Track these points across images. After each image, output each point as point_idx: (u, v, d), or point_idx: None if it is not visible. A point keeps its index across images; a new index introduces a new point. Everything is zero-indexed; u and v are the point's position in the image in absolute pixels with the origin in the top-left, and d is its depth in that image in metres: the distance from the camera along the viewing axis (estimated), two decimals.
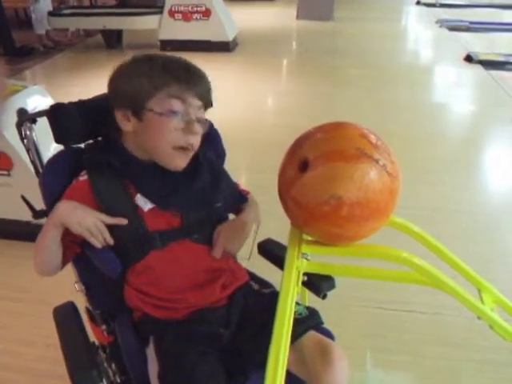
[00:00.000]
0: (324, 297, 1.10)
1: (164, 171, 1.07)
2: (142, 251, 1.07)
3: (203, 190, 1.11)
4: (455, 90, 5.07)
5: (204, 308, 1.10)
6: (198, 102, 1.04)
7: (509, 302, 1.09)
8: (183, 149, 1.04)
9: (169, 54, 1.11)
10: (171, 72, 1.02)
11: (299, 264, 0.88)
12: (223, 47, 6.01)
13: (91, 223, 1.01)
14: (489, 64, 5.45)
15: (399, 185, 0.84)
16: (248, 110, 4.38)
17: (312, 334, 1.04)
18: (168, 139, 1.02)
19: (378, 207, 0.81)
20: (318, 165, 0.80)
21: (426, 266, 0.91)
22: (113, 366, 1.13)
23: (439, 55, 6.35)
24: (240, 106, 4.41)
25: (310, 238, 0.93)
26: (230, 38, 6.12)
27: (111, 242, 1.04)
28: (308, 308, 1.09)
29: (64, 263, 1.10)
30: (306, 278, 0.94)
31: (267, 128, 3.92)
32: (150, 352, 1.06)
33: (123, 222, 1.04)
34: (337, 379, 0.97)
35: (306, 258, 0.91)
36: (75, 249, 1.09)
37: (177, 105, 1.01)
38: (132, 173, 1.07)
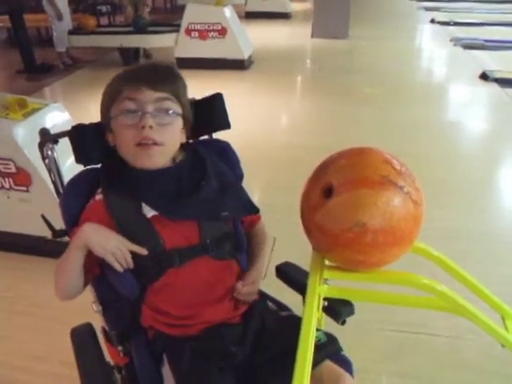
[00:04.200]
0: (343, 323, 1.09)
1: (166, 178, 1.08)
2: (160, 270, 1.07)
3: (209, 197, 1.09)
4: (471, 108, 5.05)
5: (218, 324, 1.09)
6: (155, 95, 1.05)
7: None
8: (142, 145, 1.04)
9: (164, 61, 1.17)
10: (126, 77, 1.08)
11: (321, 289, 0.87)
12: (238, 65, 6.05)
13: (115, 247, 1.01)
14: (505, 82, 5.41)
15: (423, 212, 0.83)
16: (262, 127, 4.39)
17: (329, 364, 1.03)
18: (127, 138, 1.05)
19: (402, 235, 0.80)
20: (342, 191, 0.79)
21: (448, 292, 0.90)
22: None
23: (454, 73, 6.33)
24: (254, 123, 4.42)
25: (331, 263, 0.92)
26: (246, 56, 6.18)
27: (131, 266, 1.03)
28: (326, 334, 1.08)
29: (85, 285, 1.10)
30: (326, 304, 0.93)
31: (281, 146, 3.91)
32: (166, 371, 1.06)
33: (143, 252, 1.03)
34: None
35: (326, 283, 0.91)
36: (95, 270, 1.09)
37: (129, 104, 1.04)
38: (134, 185, 1.08)
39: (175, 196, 1.07)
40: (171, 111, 1.07)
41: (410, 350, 1.93)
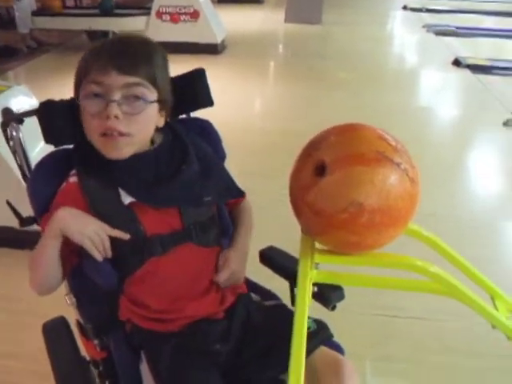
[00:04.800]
0: (333, 308, 1.05)
1: (144, 163, 1.00)
2: (141, 259, 1.00)
3: (191, 181, 1.02)
4: (444, 93, 5.08)
5: (200, 320, 1.03)
6: (124, 79, 0.94)
7: None
8: (107, 136, 0.95)
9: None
10: (95, 55, 0.97)
11: (312, 275, 0.83)
12: (211, 49, 5.93)
13: (93, 232, 0.93)
14: (477, 68, 5.46)
15: (419, 191, 0.79)
16: (236, 112, 4.31)
17: (323, 350, 0.99)
18: (91, 127, 0.97)
19: (398, 214, 0.76)
20: (336, 169, 0.74)
21: (442, 274, 0.87)
22: (106, 383, 1.06)
23: (427, 59, 6.36)
24: (228, 108, 4.33)
25: (322, 247, 0.87)
26: (219, 41, 6.06)
27: (110, 254, 0.96)
28: (316, 321, 1.04)
29: (64, 276, 1.02)
30: (316, 289, 0.89)
31: (256, 131, 3.86)
32: (144, 369, 0.99)
33: (125, 236, 0.96)
34: None
35: (317, 268, 0.86)
36: (73, 259, 1.01)
37: (93, 88, 0.95)
38: (110, 169, 1.00)
39: (154, 181, 1.00)
40: (142, 100, 0.96)
41: (394, 334, 1.91)
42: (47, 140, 1.05)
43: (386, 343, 1.87)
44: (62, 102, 1.05)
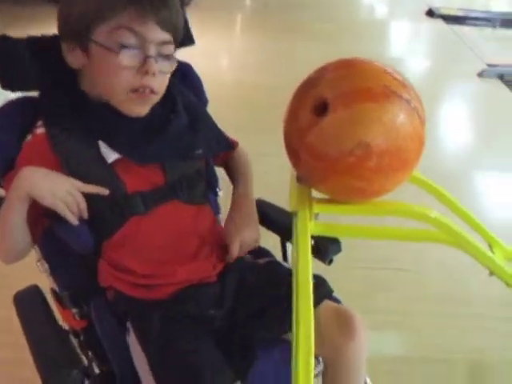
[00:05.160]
0: (330, 262, 0.99)
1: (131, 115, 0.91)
2: (121, 218, 0.90)
3: (180, 134, 0.94)
4: (418, 44, 5.02)
5: (192, 285, 0.94)
6: (160, 35, 0.85)
7: None
8: (139, 93, 0.87)
9: None
10: None
11: (311, 227, 0.76)
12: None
13: (66, 192, 0.83)
14: (450, 19, 5.37)
15: (425, 132, 0.72)
16: (208, 66, 4.12)
17: (326, 304, 0.93)
18: (119, 81, 0.85)
19: (407, 157, 0.69)
20: (339, 106, 0.66)
21: (444, 221, 0.82)
22: (89, 354, 0.97)
23: (401, 10, 6.20)
24: (199, 62, 4.12)
25: (319, 196, 0.81)
26: None
27: (86, 215, 0.86)
28: (315, 275, 0.97)
29: (34, 242, 0.92)
30: (313, 242, 0.82)
31: (230, 85, 3.73)
32: (132, 341, 0.90)
33: (103, 192, 0.86)
34: (359, 351, 0.88)
35: (316, 219, 0.80)
36: (43, 222, 0.91)
37: (128, 38, 0.83)
38: (91, 119, 0.89)
39: (141, 135, 0.91)
40: (172, 59, 0.90)
41: (381, 286, 1.90)
42: (3, 84, 0.92)
43: (376, 296, 1.84)
44: (19, 39, 0.91)
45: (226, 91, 3.57)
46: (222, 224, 1.07)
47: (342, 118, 0.67)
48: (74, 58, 0.87)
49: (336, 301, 1.00)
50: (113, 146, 0.89)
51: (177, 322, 0.88)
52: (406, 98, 0.67)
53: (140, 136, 0.90)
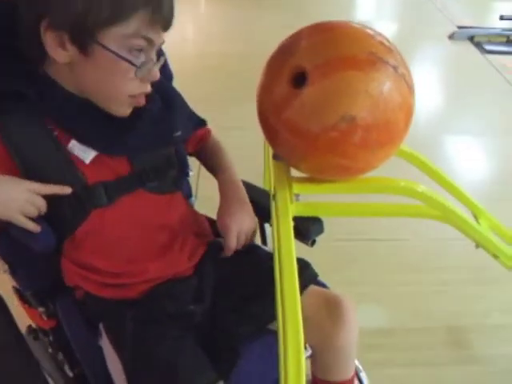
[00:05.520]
0: (313, 243, 0.93)
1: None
2: (82, 212, 0.82)
3: (157, 119, 0.85)
4: (386, 6, 4.93)
5: (167, 281, 0.88)
6: (162, 38, 0.78)
7: (504, 227, 1.02)
8: (135, 98, 0.80)
9: None
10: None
11: (292, 208, 0.70)
12: None
13: (25, 202, 0.74)
14: None
15: (415, 101, 0.66)
16: (171, 38, 3.96)
17: (312, 289, 0.88)
18: (123, 88, 0.77)
19: (397, 129, 0.63)
20: (320, 76, 0.59)
21: (432, 195, 0.78)
22: (59, 355, 0.91)
23: None
24: None
25: (298, 175, 0.74)
26: None
27: (44, 212, 0.78)
28: (297, 259, 0.91)
29: None
30: (293, 224, 0.76)
31: (191, 55, 3.59)
32: (105, 345, 0.83)
33: (66, 191, 0.78)
34: (350, 337, 0.84)
35: (297, 200, 0.74)
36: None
37: (139, 45, 0.74)
38: (60, 111, 0.79)
39: (115, 126, 0.81)
40: (162, 56, 0.83)
41: (354, 258, 1.87)
42: None
43: (349, 268, 1.82)
44: None
45: (191, 63, 3.44)
46: (196, 207, 1.00)
47: (322, 89, 0.60)
48: (60, 51, 0.72)
49: (322, 285, 0.95)
50: (86, 141, 0.80)
51: (152, 322, 0.82)
52: (392, 64, 0.60)
53: (114, 128, 0.81)
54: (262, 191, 1.04)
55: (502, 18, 3.82)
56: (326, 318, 0.84)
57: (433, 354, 1.55)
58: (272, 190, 0.74)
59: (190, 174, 1.07)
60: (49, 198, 0.77)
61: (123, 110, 0.81)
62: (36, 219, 0.77)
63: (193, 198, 1.07)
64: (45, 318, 0.93)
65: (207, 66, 3.33)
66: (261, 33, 3.88)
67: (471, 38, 3.77)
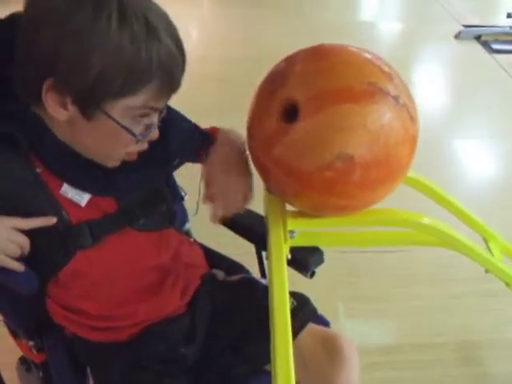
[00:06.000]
0: (312, 275, 0.88)
1: None
2: (66, 254, 0.76)
3: (149, 155, 0.78)
4: (390, 6, 4.83)
5: (158, 322, 0.83)
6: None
7: None
8: (130, 153, 0.76)
9: None
10: (162, 65, 0.65)
11: (287, 245, 0.65)
12: None
13: (6, 241, 0.69)
14: None
15: (419, 130, 0.60)
16: None
17: (310, 328, 0.83)
18: (121, 149, 0.73)
19: (399, 164, 0.58)
20: (313, 110, 0.54)
21: (437, 226, 0.73)
22: None
23: None
24: None
25: (294, 209, 0.69)
26: None
27: (27, 253, 0.72)
28: (294, 294, 0.86)
29: None
30: (289, 256, 0.71)
31: (191, 60, 3.53)
32: None
33: (50, 221, 0.72)
34: (351, 375, 0.79)
35: (292, 236, 0.68)
36: None
37: (145, 114, 0.70)
38: (50, 156, 0.73)
39: (105, 167, 0.76)
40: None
41: (362, 271, 1.81)
42: None
43: (357, 282, 1.76)
44: None
45: (190, 68, 3.39)
46: (192, 232, 0.95)
47: (316, 124, 0.54)
48: (60, 110, 0.67)
49: (321, 320, 0.90)
50: (79, 185, 0.75)
51: (142, 368, 0.77)
52: (393, 94, 0.55)
53: (104, 170, 0.76)
54: (258, 217, 0.99)
55: (509, 15, 3.73)
56: (325, 359, 0.80)
57: (443, 373, 1.49)
58: (266, 225, 0.69)
59: (186, 197, 1.02)
60: (31, 238, 0.72)
61: (116, 163, 0.76)
62: (18, 260, 0.71)
63: (188, 224, 1.01)
64: (35, 352, 0.88)
65: (208, 71, 3.28)
66: (260, 36, 3.81)
67: (478, 37, 3.69)
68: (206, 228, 0.97)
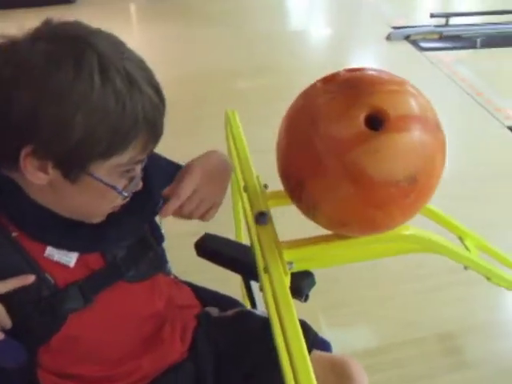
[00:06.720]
0: (306, 298, 0.87)
1: None
2: (55, 320, 0.71)
3: (133, 204, 0.75)
4: (319, 13, 4.98)
5: (162, 374, 0.80)
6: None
7: (490, 245, 1.03)
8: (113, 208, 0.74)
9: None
10: (147, 118, 0.62)
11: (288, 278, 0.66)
12: None
13: None
14: None
15: None
16: None
17: (316, 355, 0.84)
18: (106, 207, 0.71)
19: (436, 186, 0.61)
20: (402, 126, 0.55)
21: (419, 234, 0.76)
22: None
23: None
24: None
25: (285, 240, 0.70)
26: None
27: (9, 323, 0.66)
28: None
29: None
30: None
31: None
32: None
33: (29, 280, 0.66)
34: None
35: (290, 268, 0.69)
36: None
37: (137, 169, 0.69)
38: (27, 220, 0.69)
39: (89, 224, 0.72)
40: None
41: (335, 278, 1.81)
42: None
43: (332, 289, 1.76)
44: None
45: None
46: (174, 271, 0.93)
47: (401, 140, 0.56)
48: (40, 175, 0.63)
49: (322, 344, 0.91)
50: (65, 245, 0.71)
51: None
52: (440, 127, 0.60)
53: (89, 227, 0.72)
54: (241, 247, 0.99)
55: (432, 15, 3.96)
56: None
57: (428, 366, 1.54)
58: (260, 261, 0.69)
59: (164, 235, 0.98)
60: (15, 306, 0.66)
61: (101, 218, 0.73)
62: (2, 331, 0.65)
63: (169, 264, 0.96)
64: None
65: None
66: (197, 54, 3.76)
67: (407, 37, 3.89)
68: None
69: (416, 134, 0.56)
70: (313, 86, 0.63)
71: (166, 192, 0.75)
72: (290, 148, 0.62)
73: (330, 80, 0.62)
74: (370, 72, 0.62)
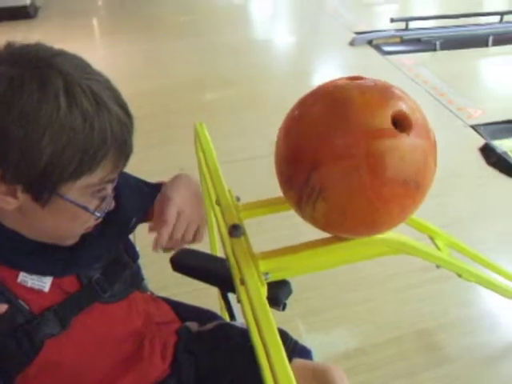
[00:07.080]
0: (284, 307, 0.88)
1: None
2: (32, 347, 0.68)
3: (106, 224, 0.74)
4: (281, 22, 5.03)
5: None
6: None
7: (460, 242, 1.06)
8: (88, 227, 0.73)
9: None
10: (115, 137, 0.61)
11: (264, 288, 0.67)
12: (22, 14, 5.01)
13: None
14: None
15: None
16: None
17: (297, 363, 0.84)
18: (80, 228, 0.70)
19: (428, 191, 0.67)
20: (421, 133, 0.62)
21: (392, 238, 0.79)
22: None
23: None
24: None
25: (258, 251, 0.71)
26: (28, 1, 5.20)
27: None
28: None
29: None
30: None
31: None
32: None
33: (0, 309, 0.64)
34: None
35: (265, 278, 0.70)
36: None
37: (108, 189, 0.67)
38: (0, 247, 0.68)
39: (62, 247, 0.72)
40: None
41: (312, 284, 1.82)
42: None
43: (310, 296, 1.77)
44: None
45: None
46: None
47: (421, 145, 0.62)
48: (9, 199, 0.61)
49: (303, 351, 0.92)
50: (38, 270, 0.69)
51: None
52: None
53: (62, 250, 0.71)
54: (216, 260, 1.00)
55: (392, 20, 4.06)
56: None
57: (408, 364, 1.56)
58: (236, 273, 0.69)
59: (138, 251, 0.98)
60: None
61: (74, 240, 0.72)
62: None
63: (145, 281, 0.95)
64: None
65: None
66: (164, 67, 3.74)
67: (370, 42, 3.97)
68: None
69: (427, 143, 0.63)
70: (340, 80, 0.68)
71: (152, 226, 0.74)
72: (308, 129, 0.63)
73: (358, 78, 0.67)
74: (390, 86, 0.66)
